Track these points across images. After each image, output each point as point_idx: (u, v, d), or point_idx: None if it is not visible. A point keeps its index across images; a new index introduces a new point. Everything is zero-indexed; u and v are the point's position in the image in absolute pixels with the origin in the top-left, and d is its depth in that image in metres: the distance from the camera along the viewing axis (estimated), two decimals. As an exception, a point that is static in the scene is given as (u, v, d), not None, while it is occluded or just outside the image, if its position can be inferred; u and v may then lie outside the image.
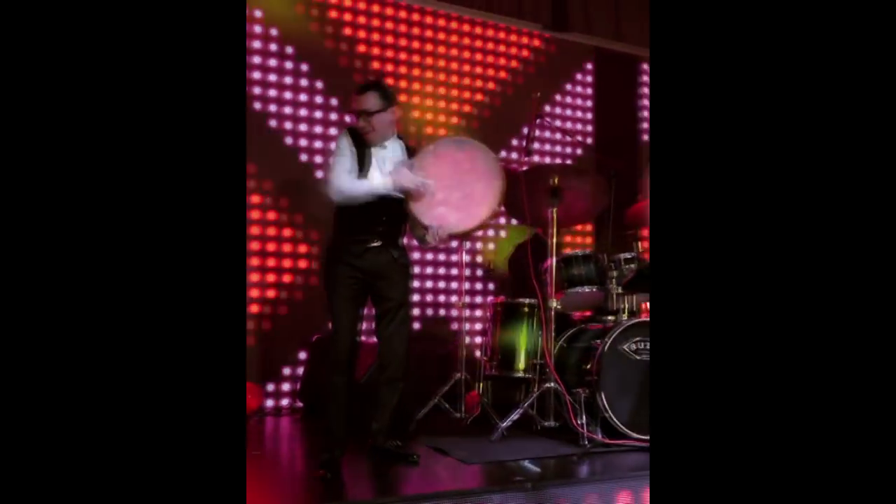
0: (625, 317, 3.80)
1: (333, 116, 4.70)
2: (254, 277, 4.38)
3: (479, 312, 5.10)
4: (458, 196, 3.05)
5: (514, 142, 5.29)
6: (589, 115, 5.70)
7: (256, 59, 4.45)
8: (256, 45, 4.45)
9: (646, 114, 5.91)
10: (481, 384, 4.03)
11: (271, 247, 4.48)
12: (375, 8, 4.93)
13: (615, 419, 3.40)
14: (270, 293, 4.45)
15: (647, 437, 3.34)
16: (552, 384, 3.55)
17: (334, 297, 3.04)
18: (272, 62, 4.51)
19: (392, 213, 3.01)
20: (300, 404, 4.41)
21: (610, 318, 3.87)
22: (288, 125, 4.57)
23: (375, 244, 3.03)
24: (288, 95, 4.57)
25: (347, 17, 4.83)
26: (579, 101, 5.69)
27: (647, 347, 3.52)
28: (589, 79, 5.71)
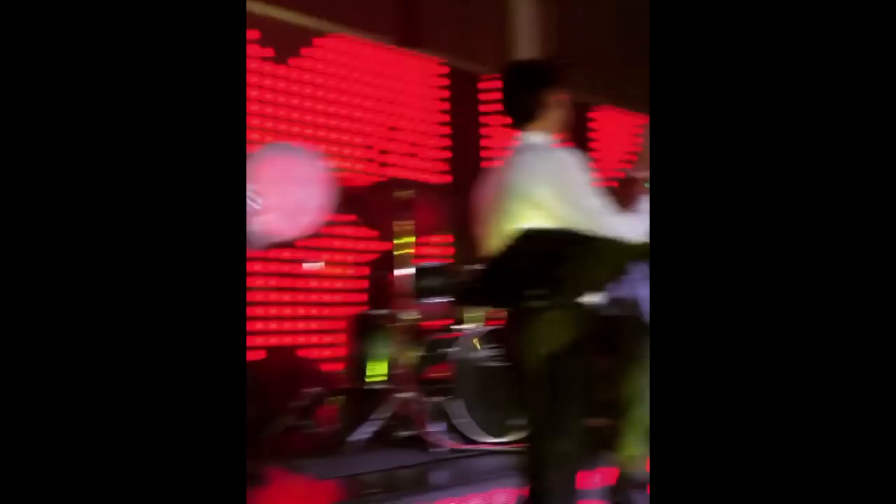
0: (475, 326, 3.91)
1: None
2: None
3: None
4: (291, 204, 3.01)
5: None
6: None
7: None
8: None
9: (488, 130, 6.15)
10: (338, 398, 4.00)
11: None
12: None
13: (470, 425, 3.49)
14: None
15: (501, 441, 3.46)
16: (408, 394, 3.59)
17: None
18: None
19: None
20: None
21: (465, 327, 3.97)
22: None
23: None
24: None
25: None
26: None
27: (497, 354, 3.65)
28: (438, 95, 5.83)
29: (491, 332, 3.69)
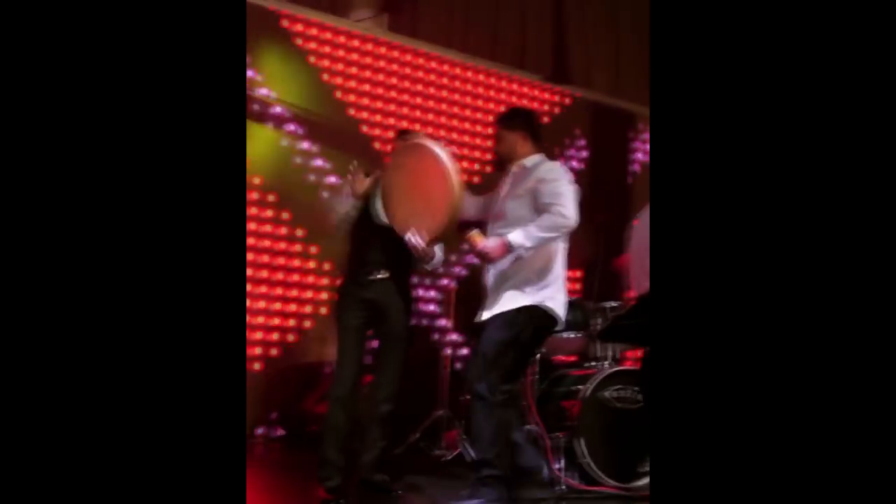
0: (607, 364, 3.85)
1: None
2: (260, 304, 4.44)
3: (465, 351, 5.14)
4: (421, 201, 2.95)
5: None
6: (582, 167, 5.83)
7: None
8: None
9: (636, 168, 6.06)
10: (463, 422, 4.05)
11: (279, 275, 4.55)
12: (370, 58, 5.05)
13: (592, 465, 3.43)
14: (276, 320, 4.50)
15: (623, 485, 3.37)
16: (532, 427, 3.58)
17: (340, 328, 3.10)
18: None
19: (399, 244, 3.04)
20: (281, 432, 4.41)
21: (593, 364, 3.92)
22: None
23: (382, 275, 3.09)
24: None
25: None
26: (573, 153, 5.82)
27: (628, 395, 3.57)
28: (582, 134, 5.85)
29: (623, 371, 3.61)
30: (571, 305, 3.97)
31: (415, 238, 2.89)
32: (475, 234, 2.92)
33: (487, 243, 2.89)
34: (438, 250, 3.15)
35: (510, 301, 2.95)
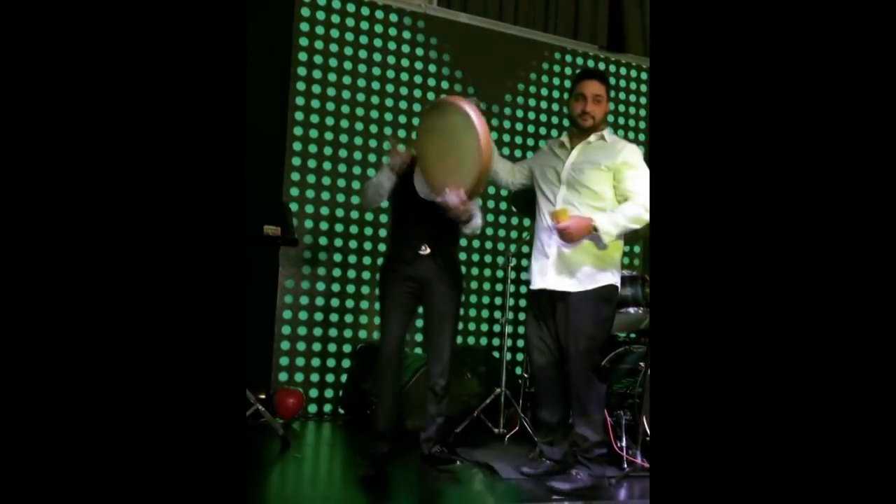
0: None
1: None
2: (304, 285, 4.50)
3: (522, 329, 5.10)
4: (453, 158, 2.91)
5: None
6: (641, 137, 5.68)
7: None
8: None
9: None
10: (521, 401, 4.02)
11: (323, 255, 4.58)
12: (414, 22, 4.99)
13: (656, 443, 3.36)
14: (320, 300, 4.54)
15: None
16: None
17: (384, 304, 3.12)
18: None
19: (442, 219, 3.04)
20: (342, 412, 4.47)
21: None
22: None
23: (425, 251, 3.08)
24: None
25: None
26: (631, 123, 5.67)
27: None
28: (643, 101, 5.69)
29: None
30: (632, 280, 3.90)
31: (451, 197, 2.85)
32: (561, 212, 2.87)
33: (570, 224, 2.84)
34: (478, 214, 3.11)
35: (599, 277, 2.95)
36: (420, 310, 3.25)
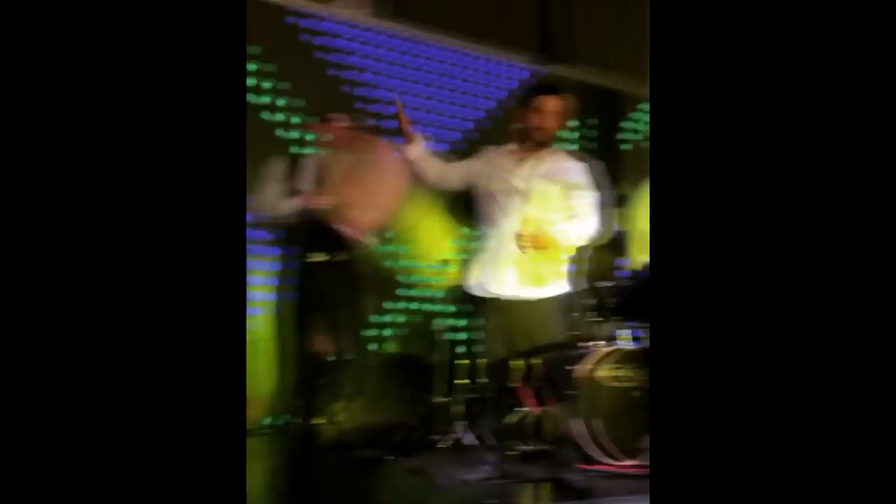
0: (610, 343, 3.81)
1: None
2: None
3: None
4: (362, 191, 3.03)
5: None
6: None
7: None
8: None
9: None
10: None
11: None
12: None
13: (590, 445, 3.43)
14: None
15: (624, 464, 3.38)
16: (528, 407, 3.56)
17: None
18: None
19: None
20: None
21: (594, 343, 3.86)
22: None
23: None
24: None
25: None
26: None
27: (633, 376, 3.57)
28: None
29: (628, 352, 3.60)
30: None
31: (349, 230, 2.94)
32: (536, 236, 2.99)
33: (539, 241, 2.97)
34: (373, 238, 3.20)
35: (559, 284, 3.10)
36: None
